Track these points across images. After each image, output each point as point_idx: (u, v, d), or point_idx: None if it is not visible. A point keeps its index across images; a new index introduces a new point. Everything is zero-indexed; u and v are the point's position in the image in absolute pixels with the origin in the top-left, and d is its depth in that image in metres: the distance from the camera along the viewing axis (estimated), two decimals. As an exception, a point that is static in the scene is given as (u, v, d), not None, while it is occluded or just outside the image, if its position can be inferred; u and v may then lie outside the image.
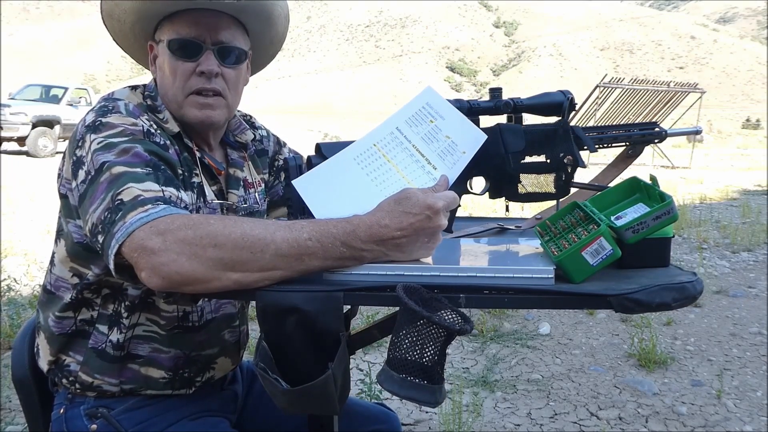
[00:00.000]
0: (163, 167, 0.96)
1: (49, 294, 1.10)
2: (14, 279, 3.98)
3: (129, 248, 0.83)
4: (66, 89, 14.78)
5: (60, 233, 1.07)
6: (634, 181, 0.98)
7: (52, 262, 1.10)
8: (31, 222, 6.46)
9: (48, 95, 14.76)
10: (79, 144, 0.98)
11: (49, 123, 13.75)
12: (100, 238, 0.88)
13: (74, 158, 0.98)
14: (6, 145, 13.73)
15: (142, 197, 0.87)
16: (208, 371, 1.15)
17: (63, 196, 1.05)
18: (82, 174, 0.95)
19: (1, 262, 4.51)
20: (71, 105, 14.37)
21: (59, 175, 1.06)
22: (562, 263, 0.85)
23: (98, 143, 0.95)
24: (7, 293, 3.81)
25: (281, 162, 1.33)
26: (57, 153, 14.04)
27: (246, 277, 0.82)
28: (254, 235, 0.82)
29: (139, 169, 0.92)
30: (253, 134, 1.27)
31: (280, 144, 1.35)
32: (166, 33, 1.08)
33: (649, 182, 0.94)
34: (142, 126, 1.00)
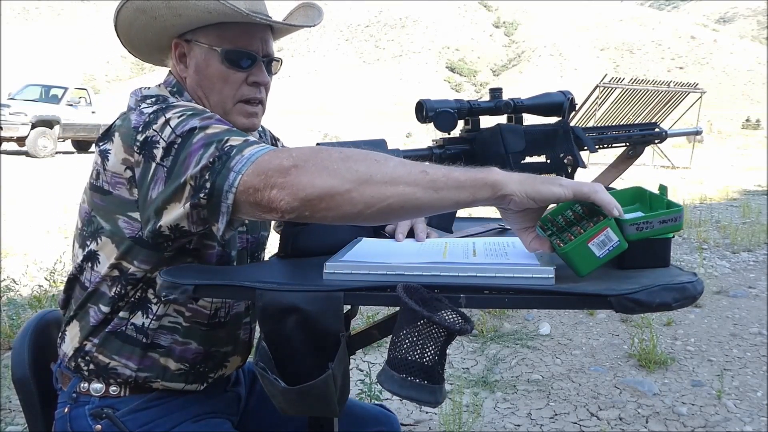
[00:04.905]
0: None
1: (85, 289, 1.07)
2: (13, 279, 3.98)
3: (255, 173, 0.82)
4: (66, 89, 14.75)
5: (100, 231, 1.04)
6: (639, 191, 0.97)
7: (94, 260, 1.06)
8: (31, 222, 6.46)
9: (48, 95, 14.74)
10: (143, 129, 0.96)
11: (48, 123, 13.74)
12: (208, 185, 0.86)
13: (138, 144, 0.95)
14: (6, 145, 13.73)
15: (250, 140, 0.88)
16: (221, 368, 1.15)
17: (106, 192, 1.02)
18: (159, 151, 0.93)
19: (1, 262, 4.51)
20: (71, 105, 14.35)
21: (98, 172, 1.03)
22: (568, 255, 0.84)
23: (178, 117, 0.95)
24: (6, 293, 3.81)
25: None
26: (57, 153, 14.03)
27: (376, 190, 0.80)
28: (377, 153, 0.84)
29: (231, 128, 0.93)
30: (257, 132, 1.29)
31: (275, 138, 1.38)
32: (214, 39, 1.09)
33: (657, 192, 0.92)
34: None
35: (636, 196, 0.97)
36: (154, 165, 0.94)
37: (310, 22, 1.17)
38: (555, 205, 0.89)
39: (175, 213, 0.90)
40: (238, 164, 0.84)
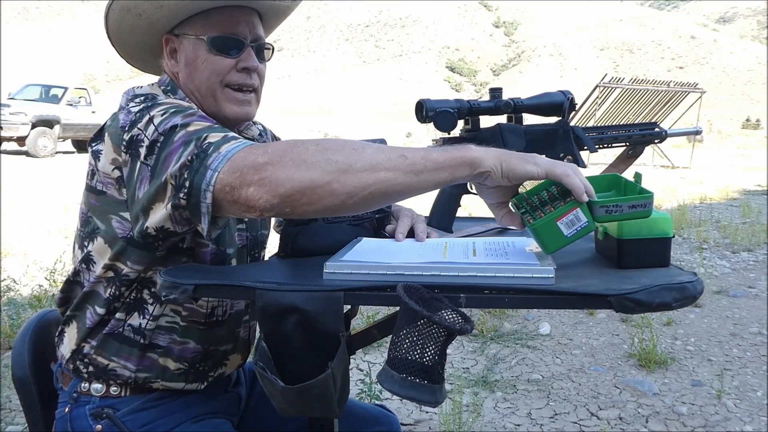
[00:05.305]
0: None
1: (83, 289, 1.07)
2: (14, 279, 3.98)
3: (230, 170, 0.80)
4: (66, 89, 14.75)
5: (96, 232, 1.04)
6: (615, 179, 0.97)
7: (89, 261, 1.06)
8: (31, 222, 6.46)
9: (48, 95, 14.73)
10: (129, 128, 0.95)
11: (48, 123, 13.73)
12: (187, 183, 0.84)
13: (124, 143, 0.95)
14: (6, 145, 13.72)
15: (228, 135, 0.87)
16: (221, 367, 1.15)
17: (100, 192, 1.02)
18: (143, 150, 0.92)
19: (1, 262, 4.51)
20: (71, 105, 14.34)
21: (93, 172, 1.03)
22: (536, 231, 0.85)
23: (161, 114, 0.94)
24: (6, 293, 3.81)
25: None
26: (57, 153, 14.03)
27: (357, 179, 0.79)
28: (354, 141, 0.83)
29: (213, 125, 0.92)
30: (257, 130, 1.28)
31: (276, 138, 1.38)
32: (200, 29, 1.08)
33: (632, 180, 0.93)
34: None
35: (612, 184, 0.98)
36: (139, 164, 0.93)
37: None
38: (534, 183, 0.91)
39: (159, 214, 0.90)
40: (215, 161, 0.82)
